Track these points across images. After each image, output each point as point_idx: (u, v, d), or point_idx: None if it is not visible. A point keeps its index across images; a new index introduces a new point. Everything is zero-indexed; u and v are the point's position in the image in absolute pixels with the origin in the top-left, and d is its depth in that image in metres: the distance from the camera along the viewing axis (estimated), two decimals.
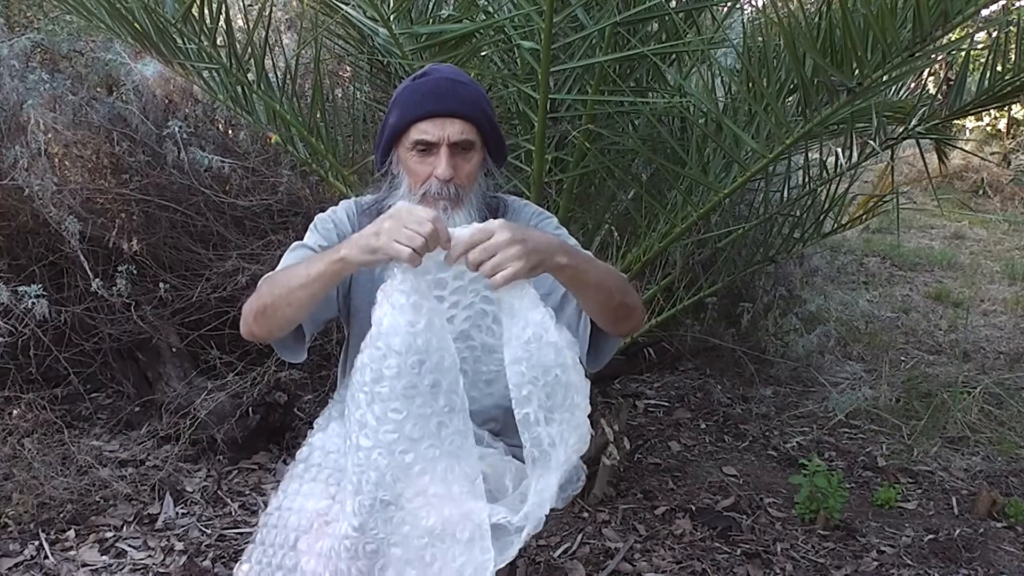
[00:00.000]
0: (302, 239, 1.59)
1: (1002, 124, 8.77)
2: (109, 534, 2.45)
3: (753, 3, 3.10)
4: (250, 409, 2.84)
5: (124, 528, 2.49)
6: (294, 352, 1.54)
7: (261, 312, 1.42)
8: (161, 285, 2.96)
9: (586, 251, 1.59)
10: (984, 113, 7.34)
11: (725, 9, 2.61)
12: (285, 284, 1.38)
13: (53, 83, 2.92)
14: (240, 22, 3.19)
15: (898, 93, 2.76)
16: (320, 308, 1.49)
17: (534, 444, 1.30)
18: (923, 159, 2.91)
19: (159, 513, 2.57)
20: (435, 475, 1.27)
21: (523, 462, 1.51)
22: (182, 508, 2.62)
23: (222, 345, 3.13)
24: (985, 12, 2.04)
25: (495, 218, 1.61)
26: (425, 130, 1.47)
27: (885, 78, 1.93)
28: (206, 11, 2.22)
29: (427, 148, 1.48)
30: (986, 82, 2.40)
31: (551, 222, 1.63)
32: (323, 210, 1.65)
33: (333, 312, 1.60)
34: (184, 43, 2.30)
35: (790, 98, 2.36)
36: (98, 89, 3.21)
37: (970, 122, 8.58)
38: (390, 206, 1.54)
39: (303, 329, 1.51)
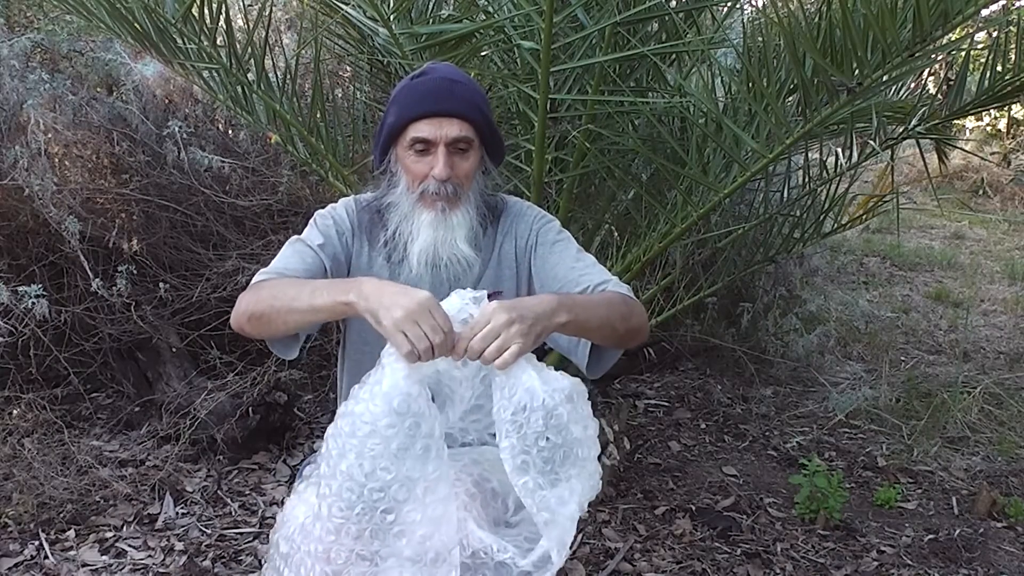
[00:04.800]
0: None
1: (1002, 124, 8.77)
2: (109, 534, 2.45)
3: (753, 3, 3.10)
4: (250, 409, 2.84)
5: (124, 528, 2.49)
6: (287, 349, 1.52)
7: (256, 317, 1.40)
8: (161, 285, 2.96)
9: (588, 254, 1.58)
10: (984, 113, 7.35)
11: (725, 9, 2.60)
12: (285, 303, 1.35)
13: (53, 83, 2.92)
14: (240, 22, 3.19)
15: (898, 93, 2.76)
16: None
17: (542, 508, 1.29)
18: (923, 159, 2.91)
19: (159, 513, 2.57)
20: (412, 539, 1.26)
21: None
22: (182, 508, 2.62)
23: (222, 345, 3.13)
24: (985, 12, 2.04)
25: (494, 218, 1.62)
26: (422, 129, 1.47)
27: (885, 78, 1.93)
28: (206, 11, 2.22)
29: (425, 147, 1.48)
30: (986, 82, 2.40)
31: (553, 226, 1.63)
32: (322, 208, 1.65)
33: None
34: (184, 43, 2.30)
35: (790, 98, 2.36)
36: (98, 89, 3.21)
37: (970, 122, 8.58)
38: (389, 204, 1.55)
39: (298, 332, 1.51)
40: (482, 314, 1.25)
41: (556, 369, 1.30)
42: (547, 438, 1.26)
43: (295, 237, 1.57)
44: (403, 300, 1.22)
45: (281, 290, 1.38)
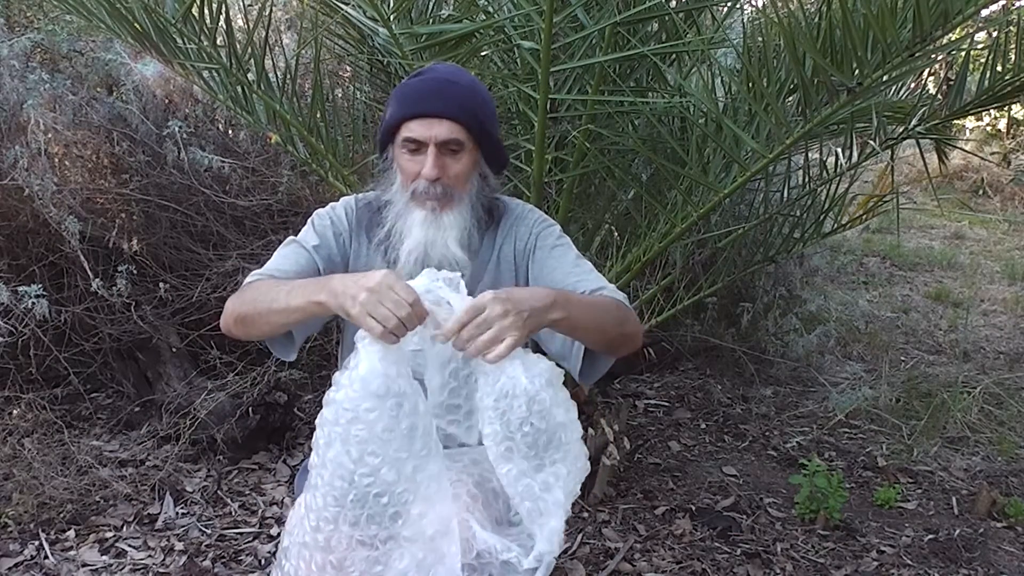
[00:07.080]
0: None
1: (1002, 124, 8.77)
2: (109, 534, 2.45)
3: (753, 3, 3.10)
4: (250, 409, 2.84)
5: (124, 528, 2.49)
6: (285, 349, 1.52)
7: (241, 319, 1.42)
8: (161, 285, 2.96)
9: (586, 260, 1.58)
10: (984, 113, 7.35)
11: (725, 9, 2.60)
12: (265, 304, 1.37)
13: (53, 83, 2.92)
14: (240, 22, 3.19)
15: (898, 93, 2.76)
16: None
17: (525, 497, 1.29)
18: (923, 159, 2.91)
19: (159, 513, 2.57)
20: (408, 518, 1.27)
21: None
22: (182, 508, 2.62)
23: (222, 345, 3.13)
24: (985, 12, 2.04)
25: (492, 221, 1.61)
26: (414, 129, 1.47)
27: (885, 78, 1.93)
28: (206, 11, 2.22)
29: (416, 147, 1.49)
30: (986, 82, 2.40)
31: (554, 230, 1.63)
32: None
33: (325, 318, 1.59)
34: (184, 43, 2.31)
35: (790, 98, 2.36)
36: (98, 89, 3.21)
37: (970, 122, 8.58)
38: (387, 201, 1.55)
39: (292, 333, 1.51)
40: (477, 302, 1.25)
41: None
42: (531, 423, 1.26)
43: (291, 238, 1.58)
44: (363, 282, 1.23)
45: (263, 292, 1.40)
